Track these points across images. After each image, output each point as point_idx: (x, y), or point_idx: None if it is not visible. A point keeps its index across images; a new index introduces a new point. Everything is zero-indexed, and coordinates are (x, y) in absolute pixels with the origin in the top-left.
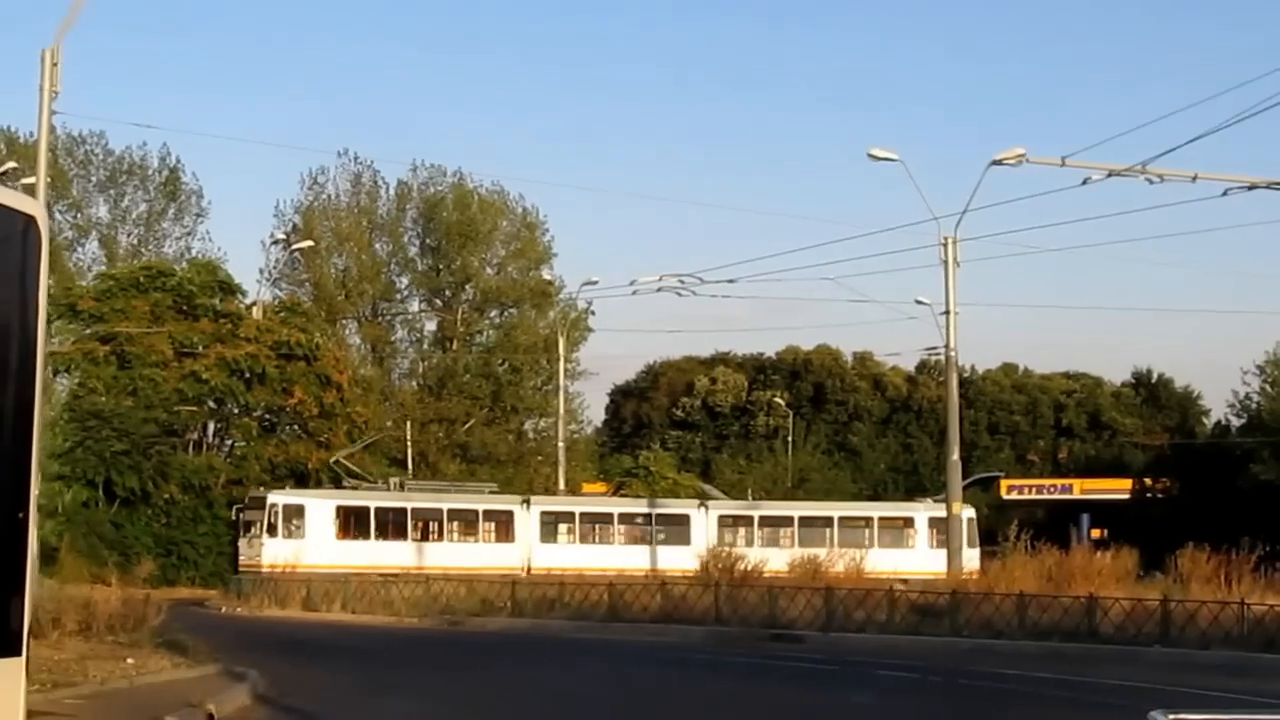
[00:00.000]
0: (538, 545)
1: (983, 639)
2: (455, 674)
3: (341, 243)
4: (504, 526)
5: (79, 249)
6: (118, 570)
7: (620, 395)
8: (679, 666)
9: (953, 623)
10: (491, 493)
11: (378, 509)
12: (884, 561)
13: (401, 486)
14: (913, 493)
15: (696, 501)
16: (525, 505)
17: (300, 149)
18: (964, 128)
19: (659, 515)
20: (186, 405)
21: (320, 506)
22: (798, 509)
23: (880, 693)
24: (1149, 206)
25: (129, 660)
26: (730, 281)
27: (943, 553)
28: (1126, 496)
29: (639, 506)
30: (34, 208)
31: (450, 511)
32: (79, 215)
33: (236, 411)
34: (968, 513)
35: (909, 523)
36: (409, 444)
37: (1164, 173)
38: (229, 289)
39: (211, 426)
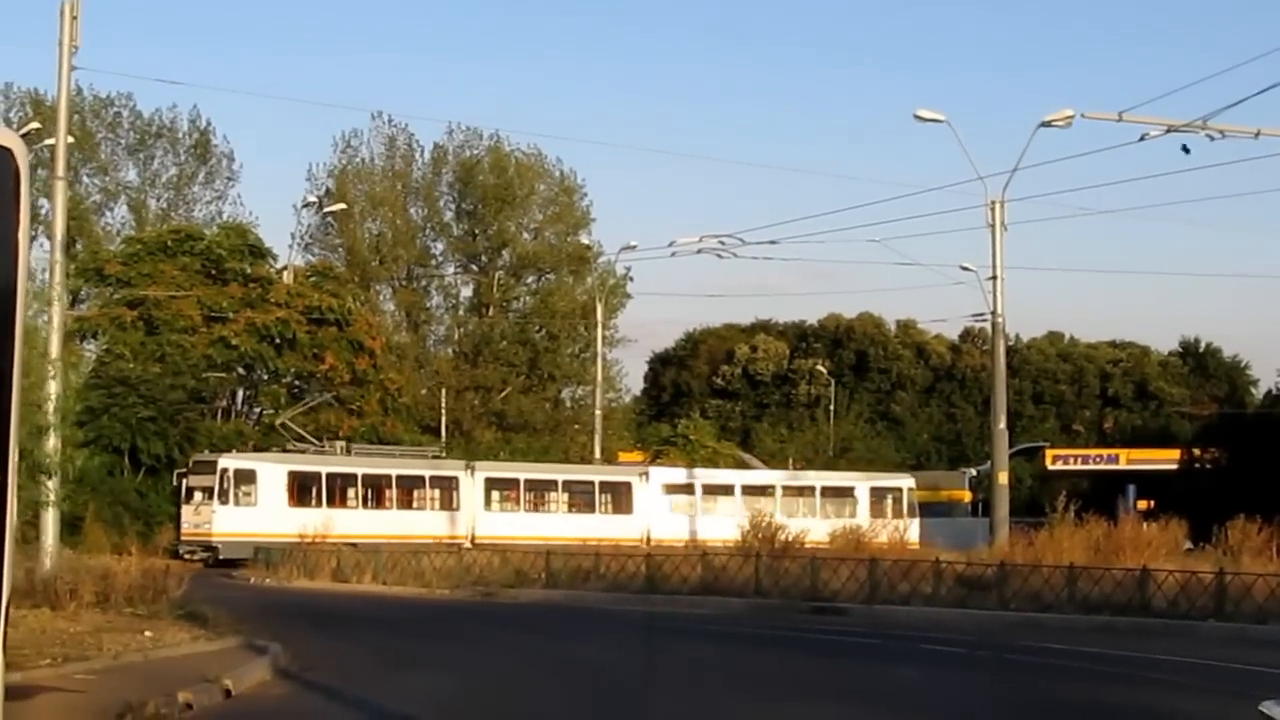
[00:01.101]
0: (481, 513)
1: (1031, 612)
2: (485, 647)
3: (375, 207)
4: (448, 493)
5: (108, 213)
6: (139, 540)
7: (659, 363)
8: (718, 640)
9: (1000, 596)
10: (434, 457)
11: (329, 475)
12: (826, 530)
13: (348, 450)
14: (955, 463)
15: (638, 470)
16: (470, 471)
17: (333, 106)
18: (1012, 88)
19: (602, 483)
20: (215, 371)
21: (272, 472)
22: (741, 477)
23: (926, 667)
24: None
25: (147, 633)
26: (772, 243)
27: (879, 522)
28: (1174, 467)
29: (583, 474)
30: (10, 139)
31: (399, 478)
32: (107, 179)
33: (266, 378)
34: (905, 483)
35: (850, 492)
36: (443, 412)
37: (1225, 128)
38: (259, 253)
39: (240, 393)
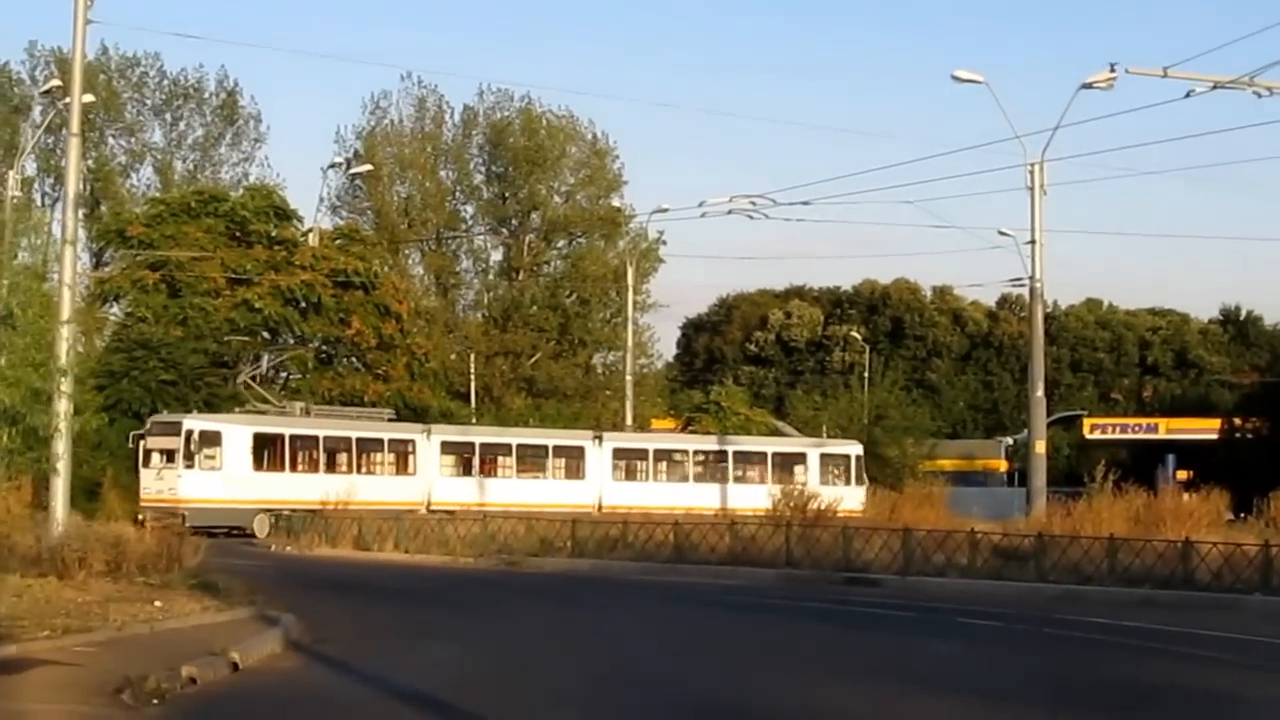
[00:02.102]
0: (438, 478)
1: (1070, 585)
2: (505, 618)
3: (404, 170)
4: (406, 458)
5: (133, 175)
6: None
7: (692, 329)
8: (748, 611)
9: (1038, 567)
10: (390, 420)
11: (292, 437)
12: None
13: (308, 412)
14: (992, 432)
15: (591, 434)
16: (426, 435)
17: (361, 63)
18: (1052, 48)
19: (555, 448)
20: (239, 335)
21: (237, 433)
22: (693, 443)
23: (962, 642)
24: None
25: (156, 603)
26: (805, 204)
27: (835, 490)
28: (1214, 437)
29: (535, 438)
30: None
31: (359, 441)
32: (133, 140)
33: (292, 342)
34: (853, 450)
35: (801, 459)
36: (473, 377)
37: (1275, 85)
38: (284, 215)
39: (266, 359)
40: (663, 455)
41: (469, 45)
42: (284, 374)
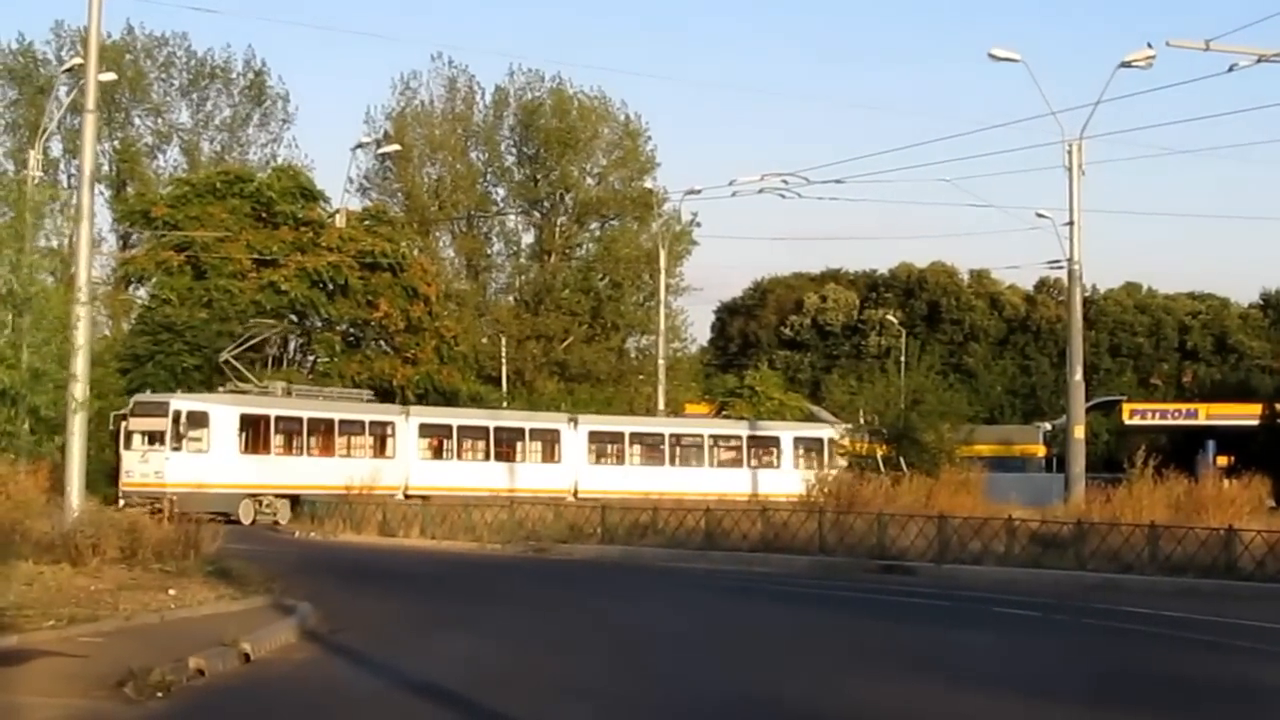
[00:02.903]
0: (416, 461)
1: (1110, 573)
2: (531, 607)
3: (435, 151)
4: (386, 440)
5: (160, 156)
6: None
7: (726, 313)
8: (780, 600)
9: (1077, 555)
10: (369, 400)
11: (278, 418)
12: (752, 483)
13: (289, 392)
14: (1030, 416)
15: (566, 416)
16: (405, 416)
17: (389, 40)
18: (1090, 24)
19: (531, 431)
20: (264, 318)
21: (225, 414)
22: (669, 426)
23: (999, 632)
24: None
25: (170, 591)
26: (838, 182)
27: (809, 474)
28: (1254, 423)
29: (512, 420)
30: None
31: (341, 423)
32: (159, 120)
33: (319, 325)
34: (826, 433)
35: (775, 443)
36: (504, 361)
37: None
38: (311, 195)
39: (293, 342)
40: (638, 439)
41: (499, 23)
42: (311, 357)
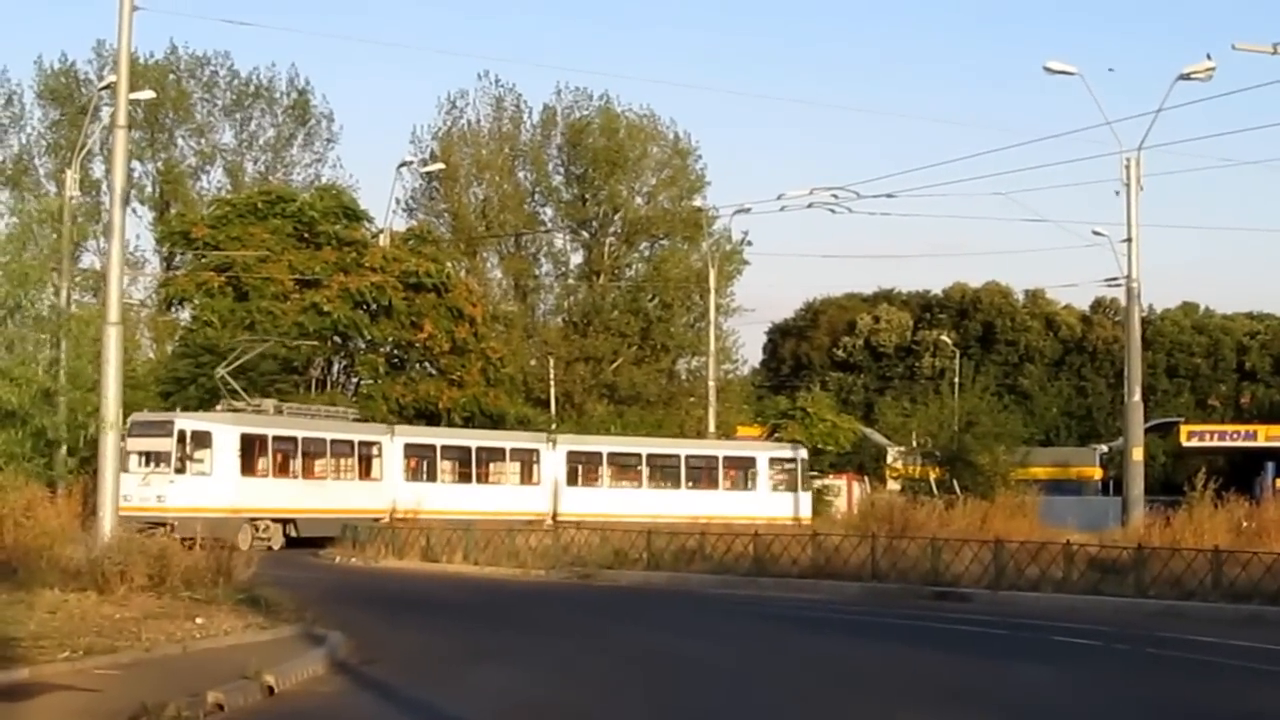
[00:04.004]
0: (401, 483)
1: (1171, 600)
2: (573, 638)
3: (481, 171)
4: (372, 461)
5: (204, 177)
6: None
7: (778, 334)
8: (830, 630)
9: (1137, 581)
10: (355, 419)
11: (275, 438)
12: (728, 505)
13: (280, 410)
14: (1086, 438)
15: (545, 436)
16: (390, 437)
17: (433, 51)
18: (1147, 34)
19: (512, 450)
20: (307, 340)
21: (227, 434)
22: (647, 446)
23: (1058, 664)
24: None
25: (198, 619)
26: (889, 196)
27: (784, 496)
28: None
29: (494, 440)
30: None
31: (332, 443)
32: (203, 141)
33: (363, 347)
34: (800, 454)
35: (752, 464)
36: (552, 383)
37: None
38: (354, 216)
39: (337, 364)
40: (616, 459)
41: (546, 41)
42: (355, 379)
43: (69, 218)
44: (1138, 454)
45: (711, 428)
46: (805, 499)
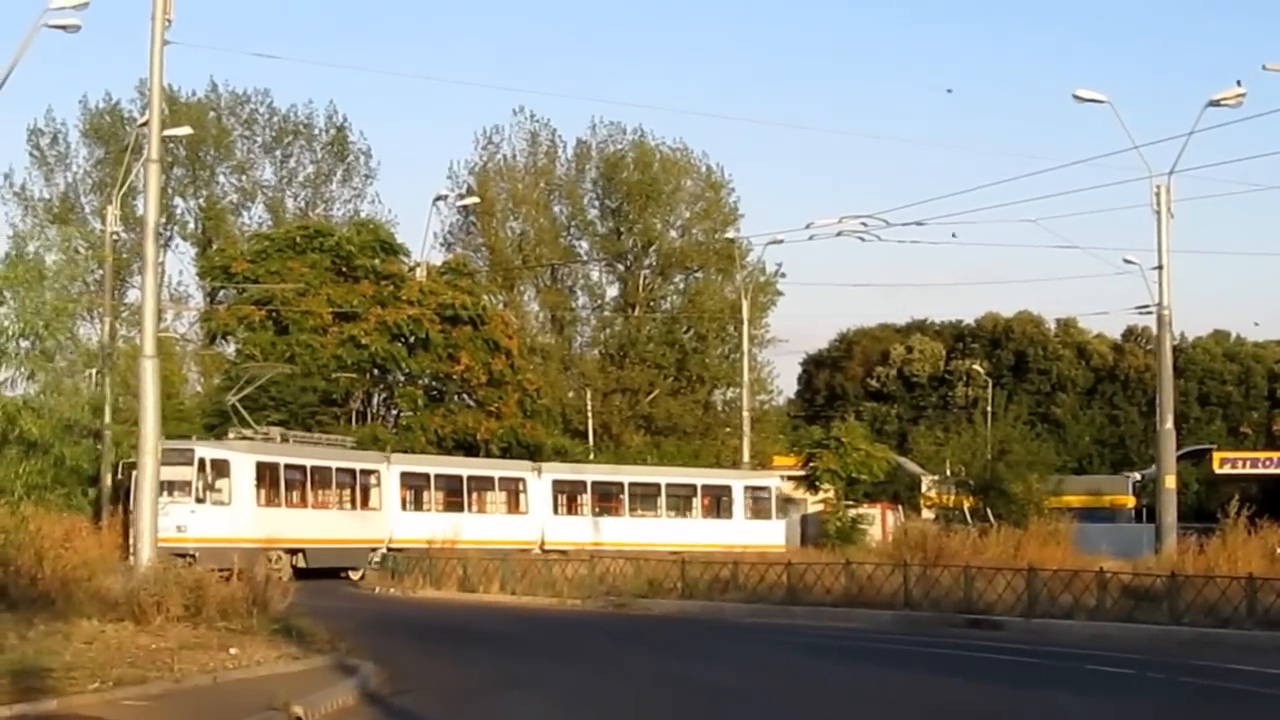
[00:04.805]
0: (398, 513)
1: (1206, 627)
2: (606, 668)
3: (518, 205)
4: (370, 490)
5: (244, 213)
6: None
7: (813, 365)
8: (865, 659)
9: (1171, 609)
10: (353, 447)
11: (287, 466)
12: (706, 533)
13: (285, 438)
14: (1119, 466)
15: (530, 464)
16: (387, 465)
17: (469, 85)
18: (1176, 61)
19: (501, 479)
20: (346, 372)
21: (244, 462)
22: (629, 474)
23: (1091, 694)
24: None
25: (232, 650)
26: (919, 224)
27: (759, 524)
28: None
29: (483, 469)
30: None
31: (337, 471)
32: (244, 177)
33: (401, 379)
34: (773, 482)
35: (728, 492)
36: (589, 415)
37: None
38: (391, 249)
39: (376, 396)
40: (600, 488)
41: (579, 75)
42: (394, 411)
43: (110, 252)
44: (1170, 481)
45: (746, 457)
46: (779, 526)
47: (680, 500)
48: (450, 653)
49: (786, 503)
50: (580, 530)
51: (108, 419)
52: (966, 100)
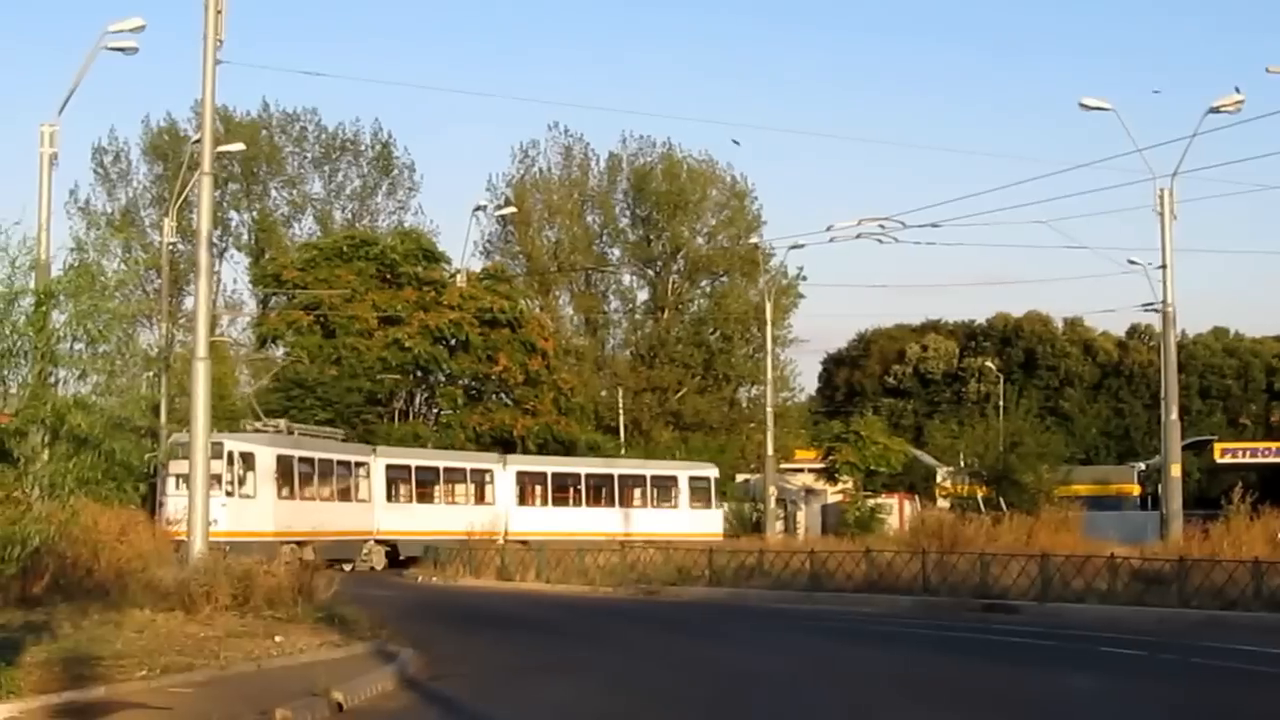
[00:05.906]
0: (383, 504)
1: (1214, 610)
2: (637, 651)
3: (553, 215)
4: (360, 481)
5: (295, 225)
6: None
7: (833, 363)
8: (886, 641)
9: (1180, 592)
10: (343, 440)
11: (300, 459)
12: (654, 522)
13: (291, 431)
14: (1124, 457)
15: (497, 456)
16: (373, 455)
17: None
18: (1179, 66)
19: (470, 471)
20: (390, 374)
21: (267, 455)
22: (585, 466)
23: (1105, 674)
24: None
25: (277, 638)
26: (934, 226)
27: (702, 513)
28: None
29: (456, 461)
30: None
31: (338, 463)
32: (294, 191)
33: (442, 380)
34: (712, 472)
35: (675, 482)
36: (621, 412)
37: None
38: (433, 257)
39: (419, 396)
40: (560, 479)
41: (609, 88)
42: (436, 410)
43: (166, 261)
44: (1176, 470)
45: (769, 452)
46: (717, 516)
47: (631, 491)
48: (489, 638)
49: (808, 493)
50: (539, 520)
51: (163, 419)
52: (978, 108)
